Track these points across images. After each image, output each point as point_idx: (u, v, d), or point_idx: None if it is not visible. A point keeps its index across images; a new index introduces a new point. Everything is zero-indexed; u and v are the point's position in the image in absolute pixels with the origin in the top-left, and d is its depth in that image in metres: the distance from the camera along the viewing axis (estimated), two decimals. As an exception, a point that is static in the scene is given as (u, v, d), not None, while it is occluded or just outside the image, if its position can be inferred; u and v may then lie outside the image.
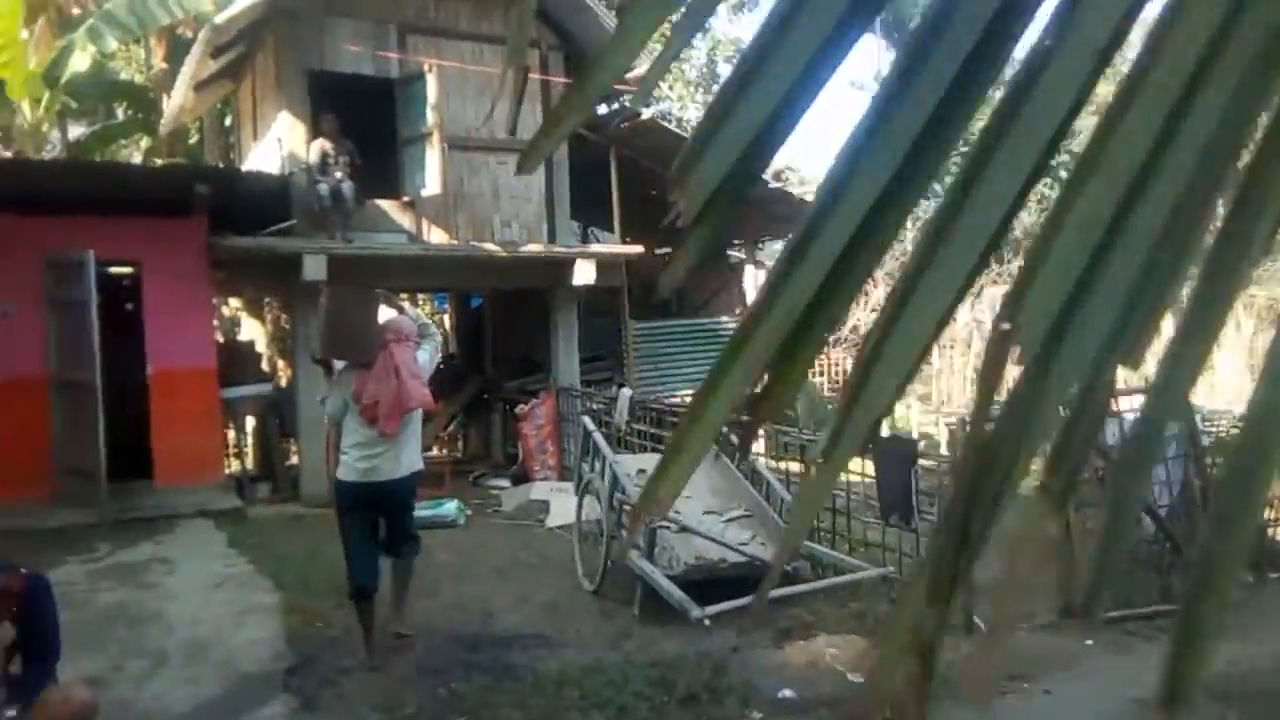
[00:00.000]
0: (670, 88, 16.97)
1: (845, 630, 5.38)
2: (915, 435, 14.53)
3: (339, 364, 5.25)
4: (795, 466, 7.62)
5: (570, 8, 10.43)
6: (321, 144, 9.37)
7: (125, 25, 11.95)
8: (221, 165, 12.68)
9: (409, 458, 5.17)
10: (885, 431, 13.82)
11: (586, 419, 7.45)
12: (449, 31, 10.24)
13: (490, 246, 10.08)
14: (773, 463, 7.92)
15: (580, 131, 11.02)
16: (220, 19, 8.57)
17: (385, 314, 5.23)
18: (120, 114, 16.98)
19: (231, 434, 11.10)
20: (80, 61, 13.04)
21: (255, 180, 9.23)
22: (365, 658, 5.11)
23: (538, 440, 10.78)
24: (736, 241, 13.34)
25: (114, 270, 9.68)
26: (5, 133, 14.71)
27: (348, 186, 9.23)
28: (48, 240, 8.43)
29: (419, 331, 5.40)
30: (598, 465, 6.91)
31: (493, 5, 10.51)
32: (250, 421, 10.69)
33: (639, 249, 10.89)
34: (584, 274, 10.41)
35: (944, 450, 8.78)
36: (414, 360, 5.16)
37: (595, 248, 10.67)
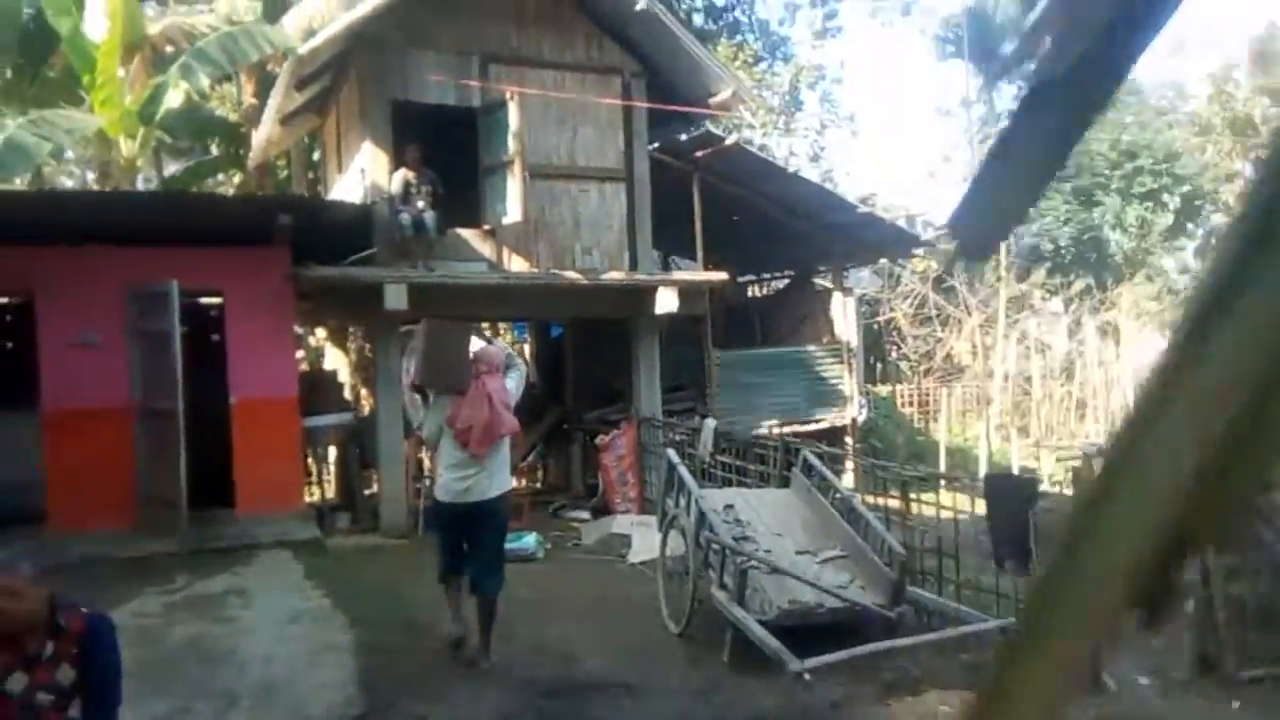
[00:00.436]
0: (753, 114, 16.71)
1: (957, 685, 4.91)
2: (1017, 471, 13.86)
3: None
4: (893, 503, 7.15)
5: (654, 34, 10.25)
6: (404, 173, 9.35)
7: (216, 62, 12.21)
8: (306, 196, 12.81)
9: (500, 479, 5.56)
10: (984, 466, 13.16)
11: (670, 452, 7.12)
12: (531, 60, 10.15)
13: (571, 274, 9.89)
14: (869, 498, 7.47)
15: (660, 156, 10.85)
16: (304, 50, 8.59)
17: (475, 344, 5.73)
18: (214, 150, 17.47)
19: (312, 463, 11.09)
20: (174, 98, 13.38)
21: (338, 210, 9.21)
22: (450, 630, 5.56)
23: (619, 472, 10.49)
24: (822, 269, 12.93)
25: (199, 300, 9.78)
26: (103, 168, 15.17)
27: (430, 216, 9.17)
28: (133, 271, 8.51)
29: (506, 363, 5.84)
30: (682, 501, 6.59)
31: (575, 34, 10.40)
32: (331, 451, 10.63)
33: (723, 276, 10.58)
34: (666, 302, 10.14)
35: (1066, 490, 8.17)
36: (503, 389, 5.60)
37: (678, 275, 10.39)
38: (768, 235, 12.76)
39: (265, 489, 8.97)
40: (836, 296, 12.12)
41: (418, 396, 6.04)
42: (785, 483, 7.74)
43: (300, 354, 15.27)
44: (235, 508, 8.85)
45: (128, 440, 8.60)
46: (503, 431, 5.47)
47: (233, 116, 17.44)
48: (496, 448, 5.49)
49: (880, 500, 7.37)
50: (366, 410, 11.79)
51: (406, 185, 9.32)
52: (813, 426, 11.62)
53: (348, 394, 12.11)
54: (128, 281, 8.59)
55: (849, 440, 11.97)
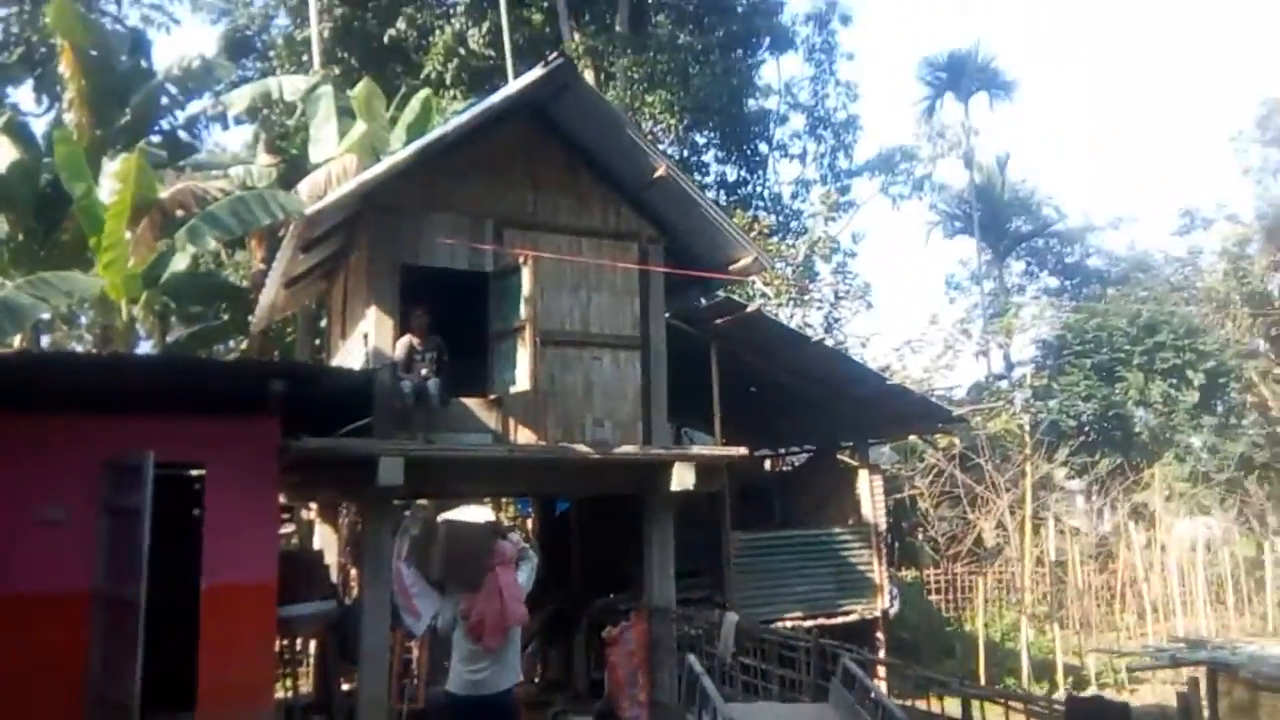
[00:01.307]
0: (767, 284, 16.47)
1: None
2: (1058, 663, 12.63)
3: None
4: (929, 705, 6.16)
5: (672, 201, 9.98)
6: (409, 339, 8.85)
7: (226, 226, 12.03)
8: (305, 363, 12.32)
9: (511, 673, 5.78)
10: (1026, 662, 11.95)
11: (692, 658, 6.21)
12: (547, 225, 9.83)
13: (581, 448, 9.20)
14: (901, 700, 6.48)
15: (676, 323, 10.37)
16: (311, 210, 8.24)
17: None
18: (223, 316, 17.22)
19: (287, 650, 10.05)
20: (180, 262, 13.19)
21: (336, 376, 8.63)
22: None
23: (628, 671, 9.44)
24: (845, 444, 12.22)
25: (189, 471, 9.08)
26: (105, 332, 14.81)
27: (433, 383, 8.61)
28: (111, 441, 7.82)
29: (519, 556, 6.03)
30: (705, 717, 5.65)
31: (591, 199, 10.15)
32: (310, 641, 9.62)
33: (742, 451, 9.87)
34: (683, 478, 9.39)
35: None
36: (515, 583, 5.84)
37: (695, 449, 9.68)
38: (786, 408, 12.13)
39: (231, 690, 7.93)
40: (862, 474, 11.35)
41: (415, 583, 6.99)
42: (820, 693, 6.78)
43: (291, 528, 14.42)
44: (195, 710, 7.81)
45: (82, 632, 7.67)
46: (511, 623, 5.69)
47: (244, 282, 17.30)
48: (508, 640, 5.73)
49: (912, 702, 6.39)
50: (354, 595, 10.84)
51: (411, 351, 8.80)
52: (840, 619, 10.61)
53: (335, 575, 11.17)
54: (104, 452, 7.90)
55: (880, 637, 10.91)
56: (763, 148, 21.02)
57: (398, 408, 8.53)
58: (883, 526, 11.34)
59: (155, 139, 15.43)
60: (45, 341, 18.33)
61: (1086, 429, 20.45)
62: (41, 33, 15.66)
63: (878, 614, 10.90)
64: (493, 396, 9.27)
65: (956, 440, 15.94)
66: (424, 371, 8.79)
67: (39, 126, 15.54)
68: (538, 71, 9.14)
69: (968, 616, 16.94)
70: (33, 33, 15.74)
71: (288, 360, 13.83)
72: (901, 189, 21.90)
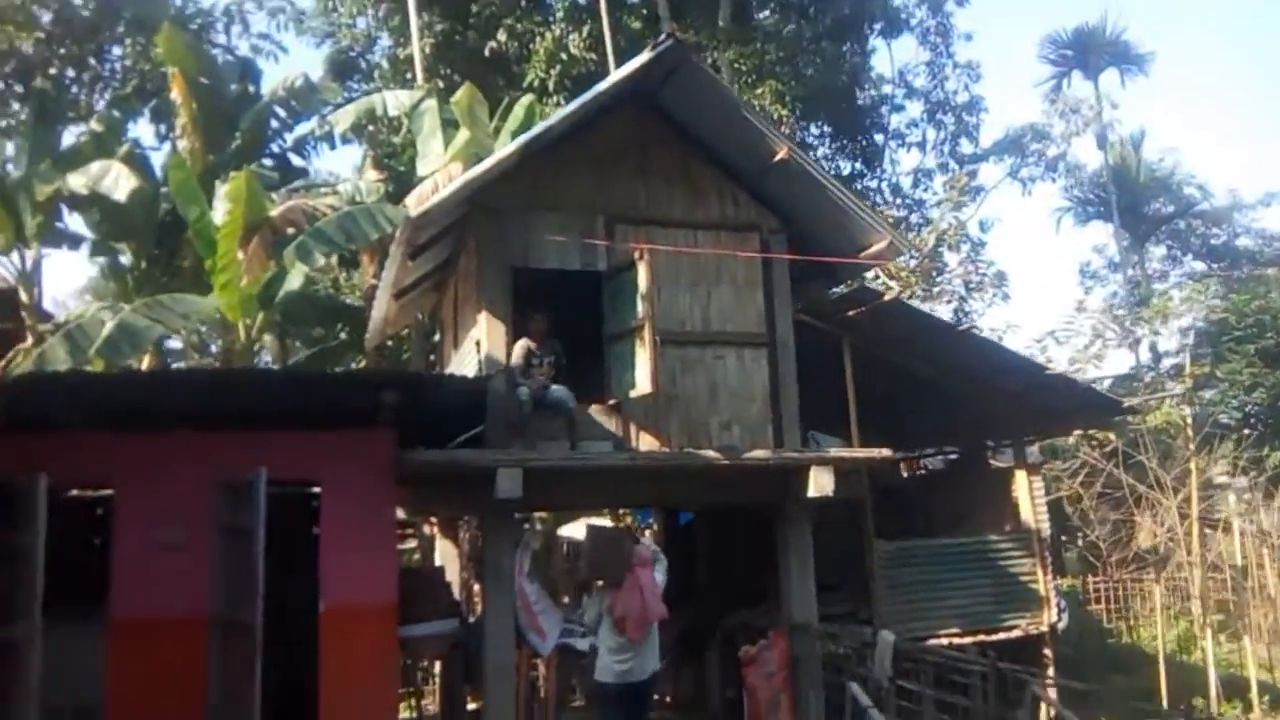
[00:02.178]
0: (892, 277, 15.49)
1: None
2: (1211, 672, 11.21)
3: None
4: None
5: (795, 185, 9.26)
6: (526, 343, 8.39)
7: (335, 242, 11.87)
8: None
9: (652, 661, 6.79)
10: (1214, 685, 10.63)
11: (856, 688, 5.45)
12: (661, 220, 9.25)
13: (709, 453, 8.53)
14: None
15: (803, 318, 9.62)
16: (416, 213, 7.85)
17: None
18: (341, 336, 17.28)
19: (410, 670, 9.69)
20: (294, 280, 13.12)
21: (447, 385, 8.20)
22: None
23: (769, 694, 8.70)
24: (996, 443, 11.18)
25: (307, 490, 8.82)
26: (226, 355, 14.93)
27: (560, 390, 8.16)
28: (222, 459, 7.56)
29: (654, 557, 7.01)
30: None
31: (707, 190, 9.52)
32: (433, 662, 9.21)
33: (885, 452, 9.03)
34: (821, 484, 8.62)
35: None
36: (654, 582, 6.74)
37: (833, 452, 8.89)
38: (924, 406, 11.16)
39: (353, 713, 7.57)
40: (1019, 475, 10.28)
41: (539, 600, 7.90)
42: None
43: (412, 544, 14.20)
44: (317, 737, 7.45)
45: (199, 656, 7.42)
46: (653, 618, 6.58)
47: (357, 301, 17.33)
48: (649, 632, 6.65)
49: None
50: (479, 611, 10.43)
51: (528, 355, 8.34)
52: (1002, 636, 9.60)
53: (458, 592, 10.78)
54: (215, 471, 7.66)
55: (1048, 654, 9.83)
56: (878, 138, 20.01)
57: (515, 418, 8.06)
58: (1045, 533, 10.26)
59: (266, 162, 15.54)
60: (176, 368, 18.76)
61: (1253, 420, 18.62)
62: (154, 64, 16.01)
63: (1044, 629, 9.83)
64: (612, 402, 8.71)
65: (1113, 436, 14.59)
66: (541, 379, 8.32)
67: (158, 159, 15.85)
68: (645, 56, 8.58)
69: (1133, 628, 15.51)
70: (145, 64, 16.12)
71: (395, 369, 13.59)
72: (1033, 171, 20.53)
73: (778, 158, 8.96)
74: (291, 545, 8.69)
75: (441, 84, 16.25)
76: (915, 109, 21.08)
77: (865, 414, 9.62)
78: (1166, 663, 13.57)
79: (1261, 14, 65.55)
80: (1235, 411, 18.50)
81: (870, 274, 15.24)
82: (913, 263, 16.98)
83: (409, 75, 17.64)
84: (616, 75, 8.66)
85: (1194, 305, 17.21)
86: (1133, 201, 29.64)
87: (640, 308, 8.29)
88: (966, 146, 20.38)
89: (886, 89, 20.85)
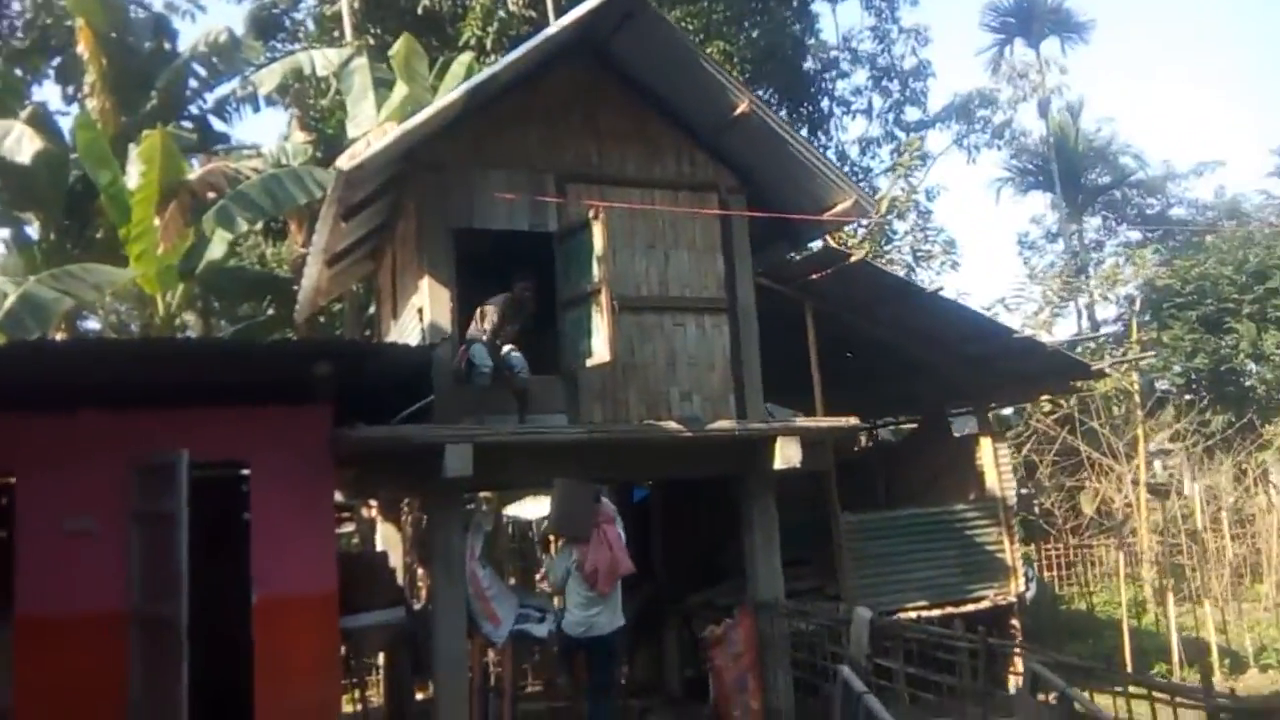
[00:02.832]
0: (840, 245, 15.13)
1: None
2: (1174, 637, 11.18)
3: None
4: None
5: (755, 142, 8.76)
6: (505, 300, 7.99)
7: (259, 205, 11.08)
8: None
9: (618, 616, 6.97)
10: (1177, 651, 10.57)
11: (850, 675, 5.03)
12: (614, 178, 8.68)
13: (671, 425, 8.04)
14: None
15: (764, 282, 9.19)
16: (348, 164, 7.16)
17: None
18: (269, 311, 16.37)
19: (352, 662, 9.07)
20: (216, 249, 12.25)
21: (391, 354, 7.54)
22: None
23: (736, 674, 8.30)
24: (959, 410, 10.91)
25: (239, 471, 8.11)
26: (145, 330, 13.98)
27: (517, 357, 7.62)
28: (140, 440, 6.87)
29: (615, 514, 7.29)
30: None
31: (663, 147, 8.98)
32: (379, 655, 8.61)
33: (852, 420, 8.64)
34: (788, 455, 8.21)
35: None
36: (620, 536, 6.98)
37: (802, 422, 8.47)
38: (886, 373, 10.85)
39: (292, 712, 6.96)
40: (984, 443, 9.99)
41: (492, 585, 7.68)
42: (994, 702, 5.58)
43: (351, 528, 13.47)
44: (251, 742, 6.83)
45: (121, 656, 6.74)
46: (622, 571, 6.78)
47: (285, 272, 16.42)
48: (616, 587, 6.87)
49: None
50: (426, 598, 9.85)
51: (505, 313, 7.95)
52: (970, 607, 9.34)
53: (401, 577, 10.17)
54: (132, 453, 6.95)
55: (1015, 625, 9.61)
56: (824, 104, 19.62)
57: (478, 385, 7.51)
58: (1011, 501, 10.01)
59: (185, 125, 14.54)
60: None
61: (1194, 385, 18.82)
62: (57, 18, 14.78)
63: (1012, 600, 9.60)
64: (564, 372, 8.17)
65: (1063, 403, 14.52)
66: (507, 347, 7.79)
67: (67, 124, 14.69)
68: (597, -1, 7.99)
69: (1084, 594, 15.53)
70: (48, 17, 14.88)
71: (332, 338, 12.82)
72: (978, 138, 20.38)
73: (738, 111, 8.46)
74: (220, 532, 8.03)
75: (373, 41, 15.34)
76: (861, 76, 20.78)
77: (826, 383, 9.22)
78: (1119, 629, 13.56)
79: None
80: (1178, 377, 18.66)
81: (817, 243, 14.90)
82: (860, 231, 16.67)
83: (336, 34, 16.67)
84: (566, 19, 8.02)
85: (1139, 271, 17.30)
86: (1071, 171, 29.85)
87: (596, 270, 7.72)
88: (912, 114, 20.15)
89: (833, 55, 20.44)
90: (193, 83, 14.78)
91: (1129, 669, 9.99)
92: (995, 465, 9.86)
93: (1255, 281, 19.02)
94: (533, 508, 13.85)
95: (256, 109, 15.39)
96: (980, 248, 51.88)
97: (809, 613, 7.98)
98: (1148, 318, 20.19)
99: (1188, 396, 19.00)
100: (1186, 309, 19.28)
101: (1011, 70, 20.53)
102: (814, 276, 8.98)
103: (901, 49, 20.06)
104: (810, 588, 9.32)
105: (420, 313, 8.14)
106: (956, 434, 11.17)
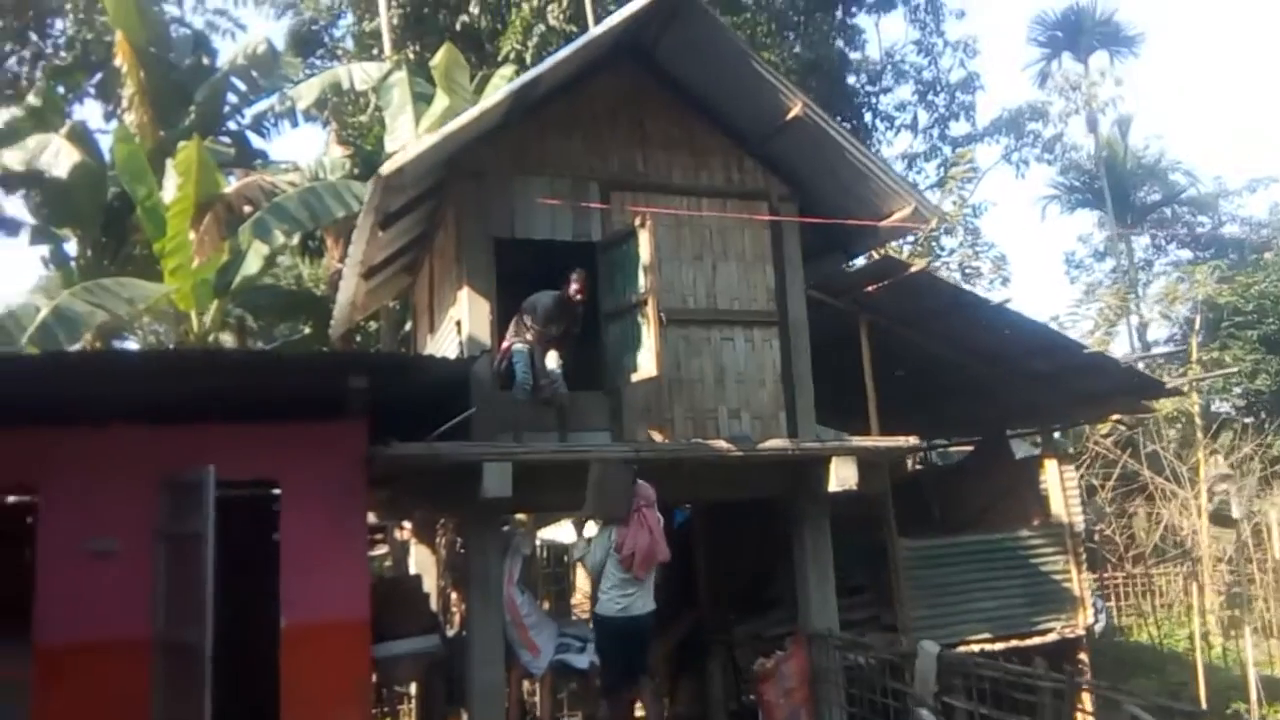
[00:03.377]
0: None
1: None
2: (1251, 672, 10.46)
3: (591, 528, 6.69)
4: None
5: (808, 147, 8.39)
6: (557, 296, 7.66)
7: (296, 218, 10.84)
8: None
9: (651, 600, 6.60)
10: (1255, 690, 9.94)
11: (927, 715, 4.54)
12: (660, 186, 8.35)
13: (720, 444, 7.62)
14: None
15: (815, 294, 8.78)
16: (387, 169, 6.86)
17: None
18: (304, 329, 16.18)
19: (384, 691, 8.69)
20: (252, 264, 12.05)
21: (427, 367, 7.19)
22: None
23: (788, 710, 7.81)
24: (1019, 431, 10.36)
25: (256, 493, 7.80)
26: (179, 347, 13.82)
27: (555, 370, 7.33)
28: (168, 456, 6.56)
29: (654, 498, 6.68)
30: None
31: (710, 154, 8.65)
32: (411, 684, 8.22)
33: (912, 440, 8.16)
34: (843, 476, 7.74)
35: None
36: (659, 521, 6.56)
37: (859, 441, 8.01)
38: (942, 392, 10.34)
39: (322, 747, 6.59)
40: (1050, 465, 9.45)
41: (531, 612, 7.60)
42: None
43: (383, 549, 13.14)
44: (279, 776, 6.45)
45: (144, 683, 6.40)
46: (661, 558, 6.50)
47: (323, 289, 16.25)
48: (651, 572, 6.58)
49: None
50: (455, 626, 9.46)
51: (558, 310, 7.62)
52: (1036, 640, 8.78)
53: (436, 603, 9.80)
54: (160, 470, 6.64)
55: (1084, 660, 9.02)
56: (868, 117, 19.20)
57: (516, 399, 7.17)
58: (1079, 527, 9.43)
59: (223, 140, 14.42)
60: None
61: (1256, 407, 18.03)
62: (98, 33, 14.77)
63: (1080, 633, 9.01)
64: (609, 388, 7.79)
65: (1122, 426, 13.90)
66: (550, 362, 7.45)
67: (106, 143, 14.63)
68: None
69: (1144, 625, 14.80)
70: (89, 32, 14.87)
71: (366, 351, 12.52)
72: (1029, 152, 19.80)
73: (791, 115, 8.09)
74: (250, 555, 7.70)
75: (412, 56, 15.17)
76: (905, 91, 20.34)
77: (878, 401, 8.75)
78: (1183, 663, 12.85)
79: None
80: (1238, 399, 17.89)
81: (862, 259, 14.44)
82: (907, 247, 16.19)
83: (375, 51, 16.55)
84: (611, 20, 7.71)
85: (1199, 289, 16.63)
86: (1120, 188, 29.07)
87: (643, 281, 7.38)
88: (958, 129, 19.66)
89: (876, 68, 20.03)
90: (231, 98, 14.69)
91: (1203, 707, 9.39)
92: (1062, 489, 9.30)
93: (1318, 296, 18.27)
94: (568, 531, 13.44)
95: (295, 124, 15.28)
96: (1026, 267, 50.89)
97: (868, 645, 7.48)
98: (1203, 338, 19.47)
99: (1248, 419, 18.22)
100: (1246, 328, 18.52)
101: (1064, 82, 19.94)
102: (869, 289, 8.53)
103: (949, 61, 19.61)
104: (865, 618, 8.82)
105: (458, 325, 7.82)
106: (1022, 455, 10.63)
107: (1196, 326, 15.59)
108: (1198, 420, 14.20)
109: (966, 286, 16.53)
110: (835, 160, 8.34)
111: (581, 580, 15.80)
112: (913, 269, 8.12)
